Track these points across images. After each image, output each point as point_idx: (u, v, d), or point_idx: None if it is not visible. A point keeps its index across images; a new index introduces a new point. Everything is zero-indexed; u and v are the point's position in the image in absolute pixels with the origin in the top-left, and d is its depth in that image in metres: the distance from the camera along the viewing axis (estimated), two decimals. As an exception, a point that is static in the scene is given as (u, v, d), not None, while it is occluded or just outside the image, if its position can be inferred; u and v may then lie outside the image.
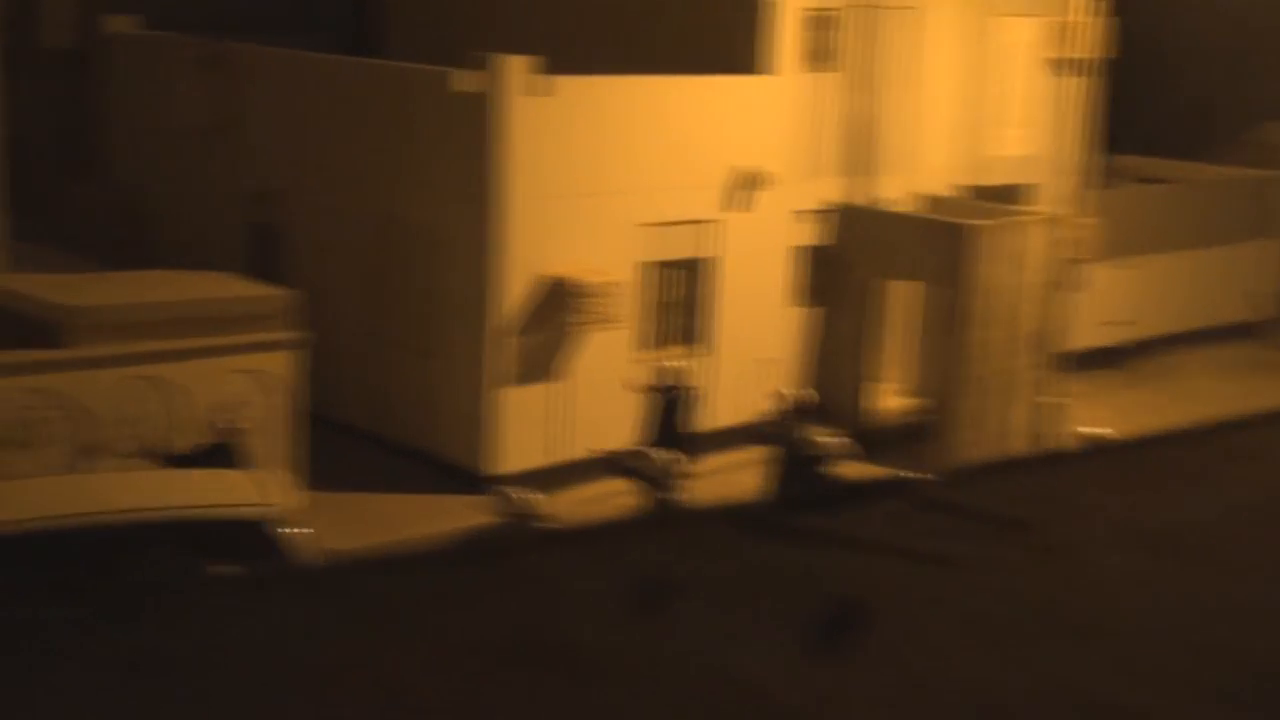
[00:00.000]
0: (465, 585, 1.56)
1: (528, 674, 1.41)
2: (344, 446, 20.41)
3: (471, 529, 16.77)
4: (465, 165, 19.72)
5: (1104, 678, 1.38)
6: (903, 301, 24.51)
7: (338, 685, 1.38)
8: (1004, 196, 24.89)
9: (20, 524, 13.14)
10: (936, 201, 24.28)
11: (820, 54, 22.94)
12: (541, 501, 16.29)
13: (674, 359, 20.10)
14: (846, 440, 17.03)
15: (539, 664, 1.43)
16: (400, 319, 21.07)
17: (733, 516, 1.68)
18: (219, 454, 16.55)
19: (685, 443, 19.02)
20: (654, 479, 16.71)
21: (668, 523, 1.59)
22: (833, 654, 1.40)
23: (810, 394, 18.98)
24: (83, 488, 14.46)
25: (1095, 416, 24.76)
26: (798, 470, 17.62)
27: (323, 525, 16.90)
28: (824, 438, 17.45)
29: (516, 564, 1.59)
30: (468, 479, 19.73)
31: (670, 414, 19.28)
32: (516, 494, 16.02)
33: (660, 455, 16.88)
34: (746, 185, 21.70)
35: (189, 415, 17.28)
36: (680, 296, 21.77)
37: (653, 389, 19.43)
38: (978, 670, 1.39)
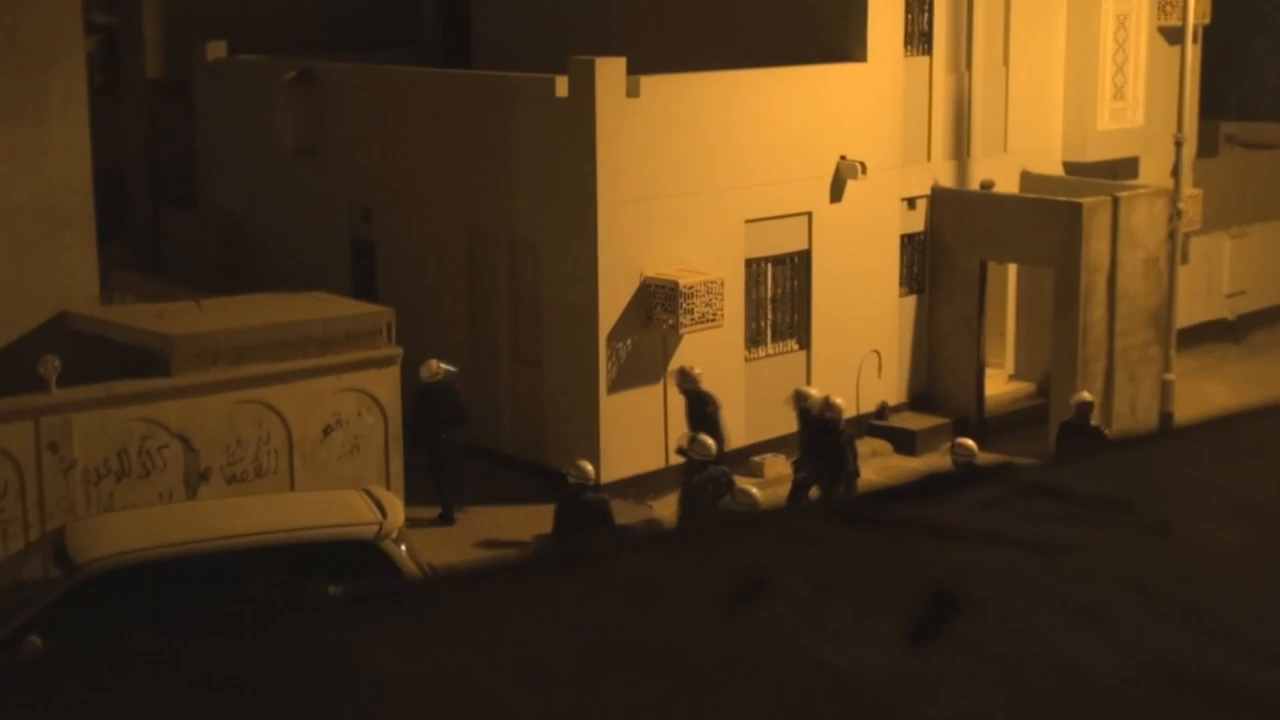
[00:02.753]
0: (555, 592, 1.55)
1: (621, 678, 1.40)
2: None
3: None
4: (566, 171, 19.79)
5: (1213, 657, 1.35)
6: (1010, 285, 24.32)
7: (429, 700, 1.37)
8: (1109, 171, 24.62)
9: (140, 553, 13.37)
10: (1040, 180, 24.06)
11: (916, 37, 22.79)
12: (593, 472, 16.62)
13: (693, 363, 19.67)
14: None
15: (632, 668, 1.42)
16: (504, 329, 21.16)
17: (826, 510, 1.67)
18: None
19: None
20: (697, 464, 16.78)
21: (761, 519, 1.59)
22: (928, 644, 1.38)
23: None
24: (200, 514, 14.68)
25: (1209, 391, 24.42)
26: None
27: (428, 541, 17.09)
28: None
29: (608, 568, 1.58)
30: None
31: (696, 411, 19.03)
32: (579, 464, 16.41)
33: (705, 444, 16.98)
34: (848, 175, 21.61)
35: (300, 435, 17.44)
36: (784, 292, 21.71)
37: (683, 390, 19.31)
38: (1077, 655, 1.36)
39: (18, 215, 17.97)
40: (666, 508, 19.46)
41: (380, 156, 22.46)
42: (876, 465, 21.46)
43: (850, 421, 21.45)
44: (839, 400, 18.67)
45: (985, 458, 17.63)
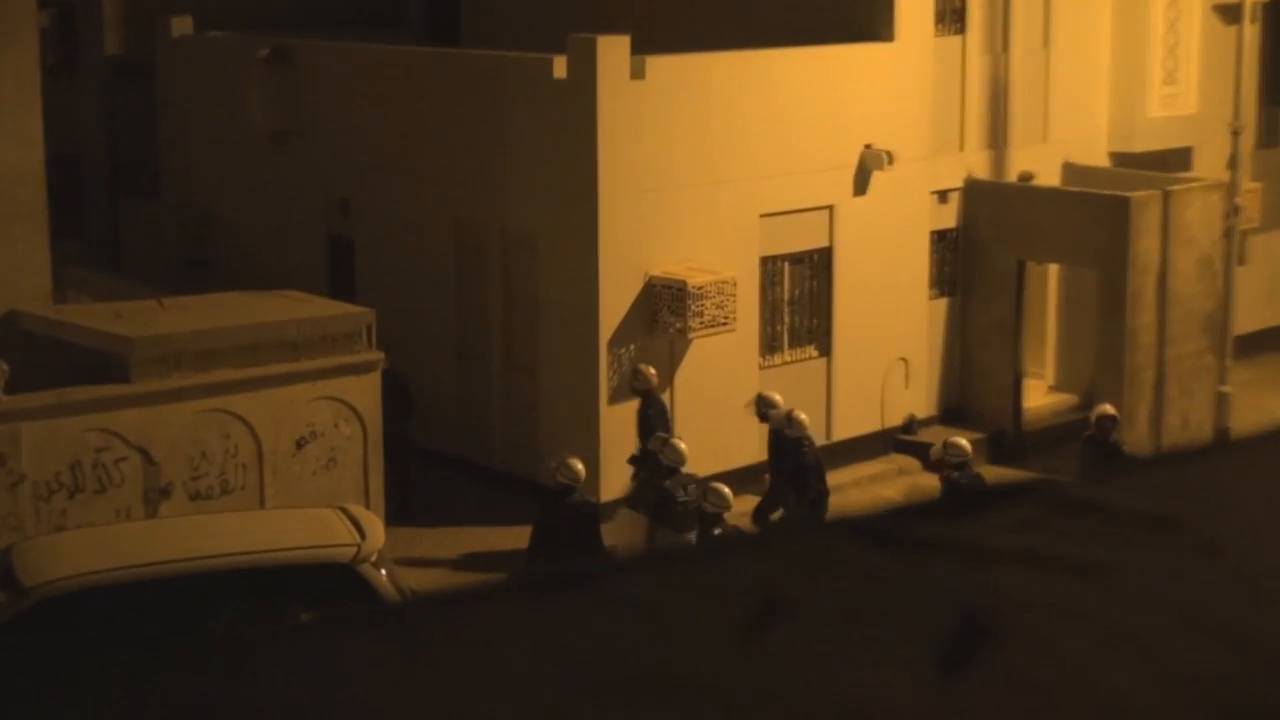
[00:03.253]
0: (551, 615, 1.57)
1: (625, 709, 1.42)
2: (431, 476, 20.56)
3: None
4: (565, 159, 19.79)
5: (1266, 687, 1.37)
6: (1050, 287, 24.28)
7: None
8: (1159, 162, 24.59)
9: (95, 576, 13.37)
10: (1084, 172, 24.04)
11: (949, 15, 22.79)
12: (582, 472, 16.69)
13: (647, 368, 19.58)
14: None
15: (638, 698, 1.44)
16: (495, 333, 21.16)
17: (847, 529, 1.68)
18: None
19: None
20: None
21: (775, 537, 1.60)
22: (955, 673, 1.40)
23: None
24: (161, 534, 14.72)
25: (1269, 405, 24.40)
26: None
27: (410, 563, 17.07)
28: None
29: (609, 589, 1.60)
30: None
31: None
32: (569, 463, 16.57)
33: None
34: (873, 165, 21.62)
35: (270, 448, 17.46)
36: (803, 293, 21.71)
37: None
38: (1119, 684, 1.38)
39: (-36, 206, 17.99)
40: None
41: (360, 143, 22.43)
42: (904, 484, 21.44)
43: (874, 436, 21.48)
44: (802, 415, 18.54)
45: (1021, 475, 17.52)
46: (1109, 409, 19.29)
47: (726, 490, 16.34)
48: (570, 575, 1.73)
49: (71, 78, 26.57)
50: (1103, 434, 18.77)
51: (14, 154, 18.21)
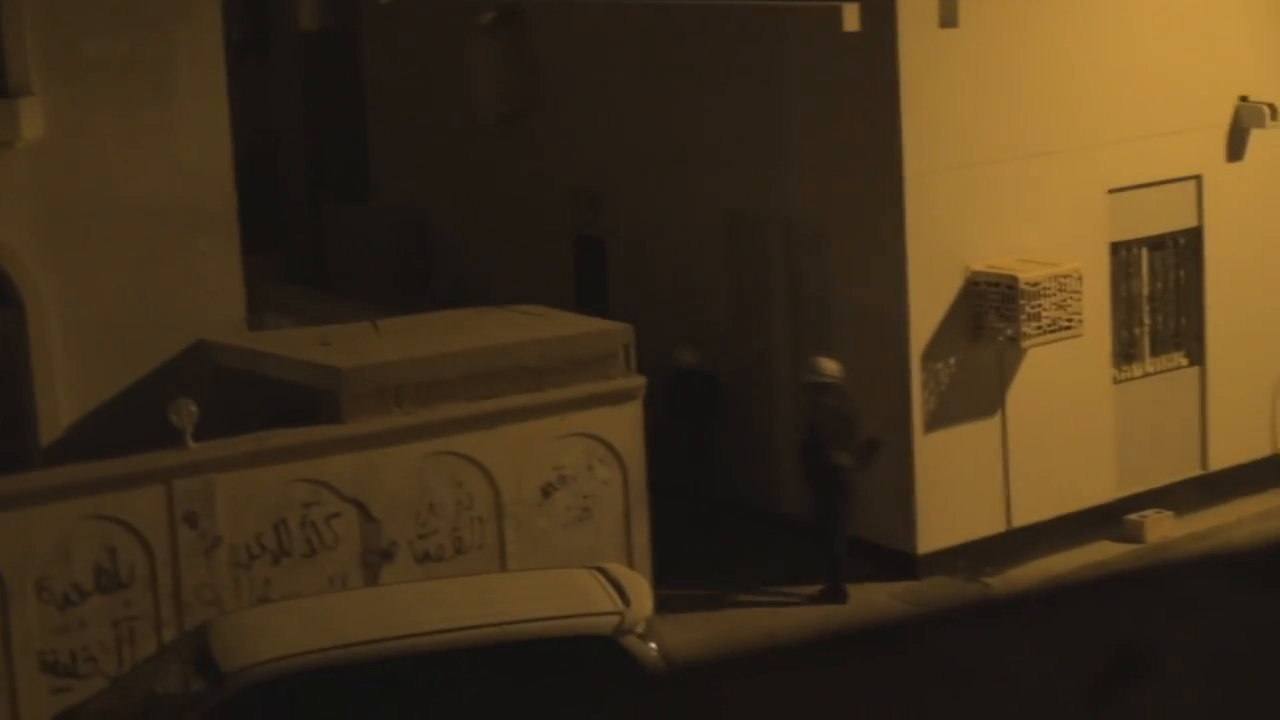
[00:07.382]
0: (863, 684, 1.59)
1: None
2: (708, 526, 20.88)
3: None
4: (860, 131, 19.83)
5: None
6: None
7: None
8: None
9: (306, 658, 13.66)
10: None
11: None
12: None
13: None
14: None
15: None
16: (782, 351, 21.17)
17: (1227, 565, 1.67)
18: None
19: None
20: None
21: (1138, 580, 1.59)
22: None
23: None
24: (383, 605, 14.98)
25: None
26: None
27: (681, 638, 16.97)
28: None
29: (927, 648, 1.61)
30: (888, 560, 19.77)
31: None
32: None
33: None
34: (1252, 122, 21.30)
35: (512, 497, 17.59)
36: (1166, 286, 21.52)
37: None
38: None
39: (139, 216, 18.12)
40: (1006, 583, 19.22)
41: (611, 123, 22.65)
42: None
43: (1264, 465, 21.12)
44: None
45: None
46: None
47: None
48: (888, 631, 1.74)
49: (262, 58, 27.00)
50: None
51: (196, 152, 18.36)
